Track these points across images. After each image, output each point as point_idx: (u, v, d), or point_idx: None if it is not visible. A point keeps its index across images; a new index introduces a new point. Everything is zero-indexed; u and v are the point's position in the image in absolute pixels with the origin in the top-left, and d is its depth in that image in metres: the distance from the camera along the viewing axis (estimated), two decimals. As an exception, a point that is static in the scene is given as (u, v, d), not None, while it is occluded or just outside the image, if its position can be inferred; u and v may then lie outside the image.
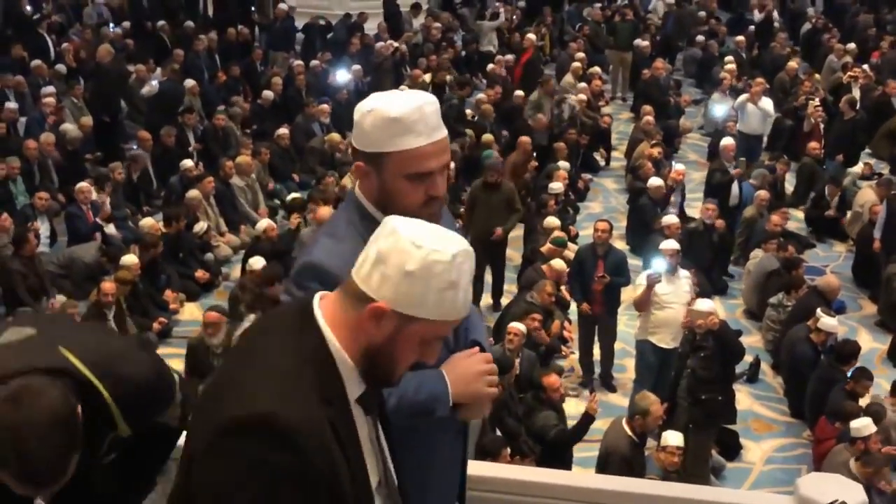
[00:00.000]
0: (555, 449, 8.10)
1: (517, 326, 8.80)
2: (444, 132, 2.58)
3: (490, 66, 18.23)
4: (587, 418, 8.15)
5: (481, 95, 16.82)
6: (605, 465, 7.59)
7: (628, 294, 9.95)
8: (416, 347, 2.04)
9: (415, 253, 1.97)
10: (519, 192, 12.86)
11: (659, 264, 9.13)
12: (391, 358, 2.03)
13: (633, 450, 7.55)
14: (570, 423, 8.40)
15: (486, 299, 11.21)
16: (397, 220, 2.03)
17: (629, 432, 7.58)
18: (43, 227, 11.54)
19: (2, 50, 16.96)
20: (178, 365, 8.90)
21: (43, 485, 2.37)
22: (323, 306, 2.06)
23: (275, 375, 1.95)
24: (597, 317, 9.88)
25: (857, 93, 16.40)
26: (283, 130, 14.76)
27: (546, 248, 10.80)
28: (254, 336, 2.13)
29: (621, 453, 7.51)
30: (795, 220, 13.44)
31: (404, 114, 2.50)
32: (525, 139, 13.70)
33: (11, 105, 14.09)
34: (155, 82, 16.28)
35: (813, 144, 14.52)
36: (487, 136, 14.40)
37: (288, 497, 1.87)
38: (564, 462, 8.03)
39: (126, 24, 19.72)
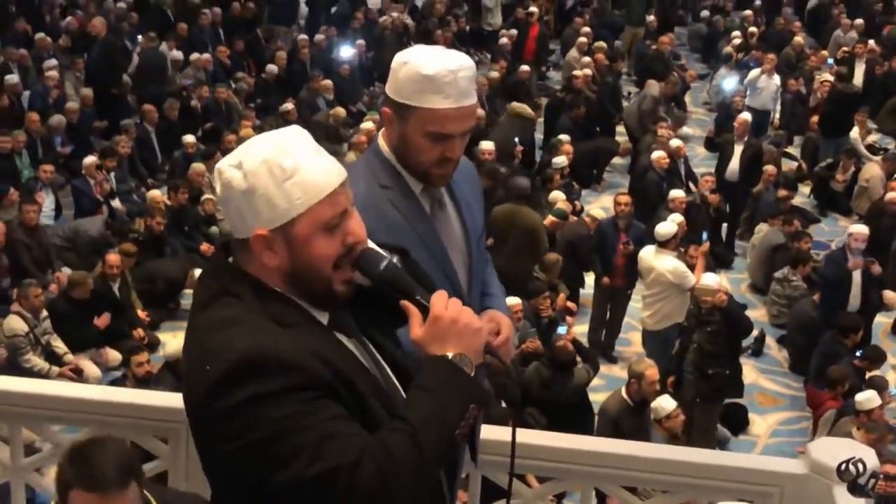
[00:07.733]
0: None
1: (516, 302, 8.76)
2: (472, 99, 2.62)
3: (502, 42, 18.15)
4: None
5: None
6: (598, 427, 7.71)
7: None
8: (321, 241, 1.98)
9: (236, 174, 1.97)
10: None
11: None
12: (308, 265, 1.99)
13: (625, 412, 7.55)
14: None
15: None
16: (220, 163, 2.04)
17: (624, 395, 7.62)
18: (48, 200, 11.51)
19: (5, 23, 16.87)
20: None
21: None
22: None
23: (234, 324, 1.94)
24: (614, 290, 9.98)
25: (860, 67, 16.31)
26: (290, 105, 14.54)
27: (548, 220, 10.72)
28: (195, 313, 2.08)
29: (609, 415, 7.60)
30: (801, 195, 13.37)
31: (436, 73, 2.53)
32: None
33: (13, 78, 14.03)
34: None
35: (816, 119, 14.44)
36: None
37: (310, 411, 1.87)
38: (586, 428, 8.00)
39: (129, -3, 19.57)
